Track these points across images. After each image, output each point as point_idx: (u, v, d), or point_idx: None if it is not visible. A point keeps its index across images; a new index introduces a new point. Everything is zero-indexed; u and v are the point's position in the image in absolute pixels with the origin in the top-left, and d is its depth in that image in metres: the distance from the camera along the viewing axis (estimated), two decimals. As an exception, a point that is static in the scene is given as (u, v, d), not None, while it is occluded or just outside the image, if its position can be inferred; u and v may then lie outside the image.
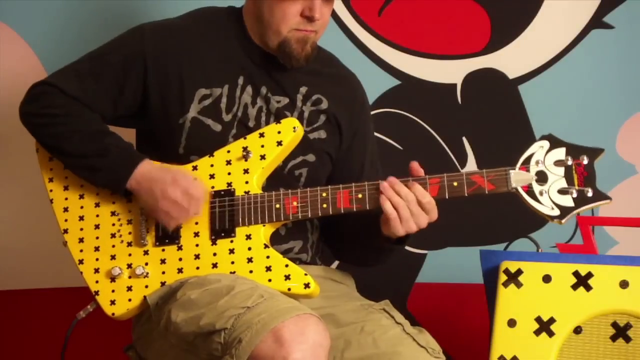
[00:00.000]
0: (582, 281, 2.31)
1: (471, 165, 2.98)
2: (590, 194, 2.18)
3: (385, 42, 3.00)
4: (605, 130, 2.91)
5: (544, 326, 2.31)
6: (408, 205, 2.19)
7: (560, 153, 2.20)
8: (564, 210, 2.19)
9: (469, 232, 2.98)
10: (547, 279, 2.33)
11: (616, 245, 2.94)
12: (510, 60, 2.98)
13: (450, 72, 2.99)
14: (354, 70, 2.52)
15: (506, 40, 2.98)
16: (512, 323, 2.33)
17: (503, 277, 2.35)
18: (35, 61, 2.99)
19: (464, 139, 2.99)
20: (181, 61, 2.33)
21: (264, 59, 2.36)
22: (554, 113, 2.95)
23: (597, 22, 2.95)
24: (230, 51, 2.37)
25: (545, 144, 2.21)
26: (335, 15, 2.98)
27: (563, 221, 2.19)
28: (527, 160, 2.21)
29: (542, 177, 2.20)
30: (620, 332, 2.29)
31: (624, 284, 2.29)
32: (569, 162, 2.19)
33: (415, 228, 2.20)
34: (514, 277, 2.35)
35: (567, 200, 2.19)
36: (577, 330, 2.31)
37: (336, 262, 2.75)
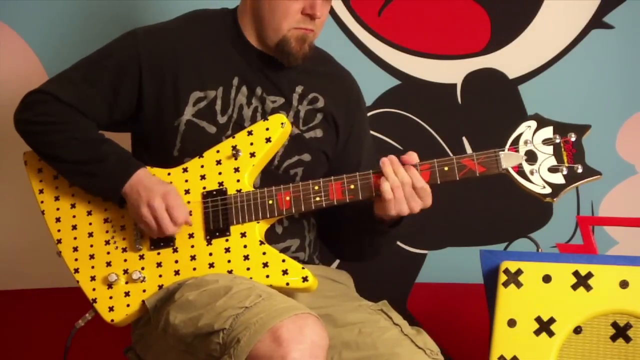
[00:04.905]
0: (582, 281, 2.31)
1: (471, 165, 2.98)
2: (580, 170, 2.19)
3: (385, 42, 3.00)
4: (605, 130, 2.90)
5: (544, 326, 2.31)
6: (403, 187, 2.19)
7: (548, 132, 2.21)
8: (556, 188, 2.19)
9: (469, 232, 2.98)
10: (547, 279, 2.33)
11: (616, 245, 2.93)
12: (510, 60, 2.97)
13: (450, 72, 2.99)
14: (354, 70, 2.52)
15: (506, 40, 2.98)
16: (512, 323, 2.32)
17: (503, 277, 2.35)
18: (36, 61, 2.99)
19: (464, 139, 2.99)
20: (175, 64, 2.33)
21: (259, 59, 2.37)
22: (554, 113, 2.93)
23: (597, 22, 2.94)
24: (224, 53, 2.37)
25: (533, 123, 2.22)
26: (335, 15, 2.98)
27: (555, 199, 2.20)
28: (516, 141, 2.21)
29: (531, 157, 2.20)
30: (620, 332, 2.29)
31: (624, 284, 2.29)
32: (557, 140, 2.20)
33: (406, 211, 2.20)
34: (514, 277, 2.34)
35: (558, 178, 2.19)
36: (577, 330, 2.30)
37: (335, 262, 2.75)
